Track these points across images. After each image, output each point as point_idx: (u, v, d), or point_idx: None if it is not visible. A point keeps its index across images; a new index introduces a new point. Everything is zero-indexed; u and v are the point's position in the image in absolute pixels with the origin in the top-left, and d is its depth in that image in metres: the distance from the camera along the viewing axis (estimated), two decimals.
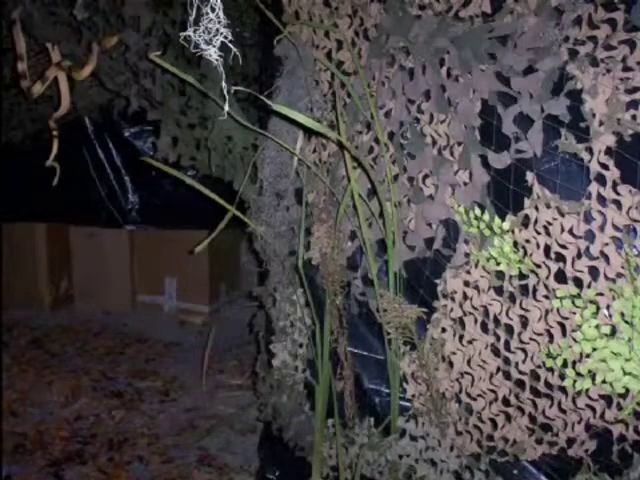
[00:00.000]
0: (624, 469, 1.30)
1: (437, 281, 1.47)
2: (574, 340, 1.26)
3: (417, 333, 1.51)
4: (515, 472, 1.45)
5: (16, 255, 3.84)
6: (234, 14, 2.22)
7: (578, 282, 1.26)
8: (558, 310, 1.28)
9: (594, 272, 1.24)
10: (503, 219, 1.32)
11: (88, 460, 2.28)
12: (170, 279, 4.01)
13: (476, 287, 1.40)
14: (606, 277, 1.23)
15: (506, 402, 1.41)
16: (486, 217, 1.34)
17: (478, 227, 1.35)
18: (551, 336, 1.31)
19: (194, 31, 1.27)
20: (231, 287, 4.18)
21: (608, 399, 1.28)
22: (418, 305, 1.50)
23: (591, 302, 1.24)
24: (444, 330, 1.48)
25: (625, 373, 1.21)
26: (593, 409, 1.29)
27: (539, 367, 1.34)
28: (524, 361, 1.36)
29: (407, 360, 1.55)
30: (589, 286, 1.24)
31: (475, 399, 1.46)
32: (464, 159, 1.37)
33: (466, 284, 1.42)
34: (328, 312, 1.67)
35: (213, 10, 1.25)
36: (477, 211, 1.35)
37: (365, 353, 1.68)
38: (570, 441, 1.35)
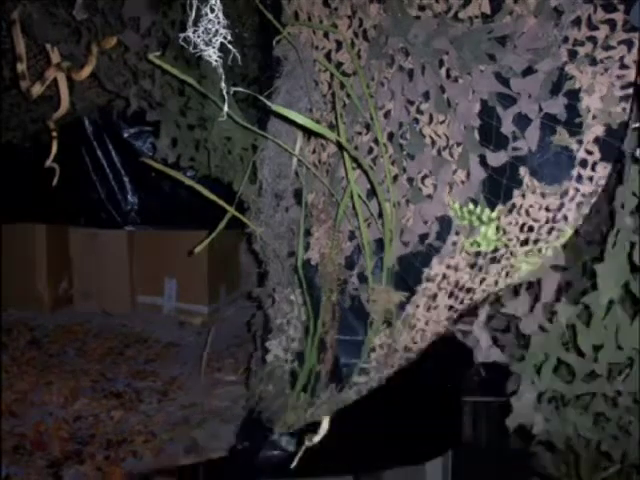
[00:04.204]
0: None
1: (424, 269, 1.53)
2: None
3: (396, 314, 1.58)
4: None
5: (16, 255, 3.84)
6: (233, 15, 2.22)
7: None
8: None
9: None
10: (492, 209, 1.38)
11: (86, 460, 2.28)
12: (169, 280, 4.01)
13: (455, 268, 1.47)
14: None
15: None
16: (478, 210, 1.38)
17: (470, 220, 1.40)
18: None
19: (193, 32, 1.27)
20: (230, 288, 4.18)
21: None
22: (405, 291, 1.56)
23: None
24: (417, 306, 1.54)
25: None
26: None
27: None
28: None
29: (382, 335, 1.61)
30: None
31: None
32: (463, 159, 1.37)
33: (447, 267, 1.48)
34: (323, 308, 1.69)
35: (212, 11, 1.24)
36: (471, 206, 1.39)
37: (348, 338, 1.73)
38: None
